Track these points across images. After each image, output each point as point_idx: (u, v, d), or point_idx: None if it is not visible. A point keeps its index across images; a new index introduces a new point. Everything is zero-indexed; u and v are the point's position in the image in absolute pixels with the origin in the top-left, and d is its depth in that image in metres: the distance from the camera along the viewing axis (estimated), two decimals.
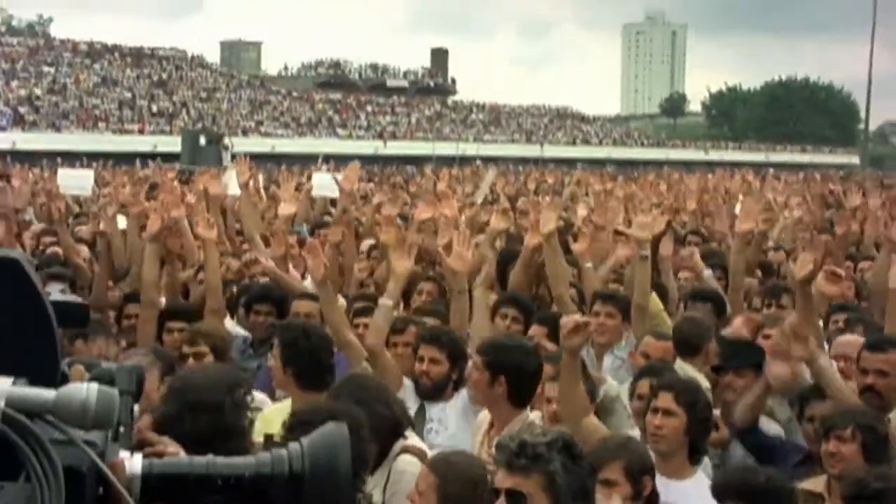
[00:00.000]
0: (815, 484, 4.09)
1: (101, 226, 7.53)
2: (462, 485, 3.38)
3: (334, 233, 6.87)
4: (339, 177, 10.01)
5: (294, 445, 1.27)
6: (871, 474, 3.40)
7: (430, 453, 4.07)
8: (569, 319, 4.15)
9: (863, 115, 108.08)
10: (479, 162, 19.49)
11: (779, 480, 3.66)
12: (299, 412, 3.58)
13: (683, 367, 5.29)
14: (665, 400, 4.19)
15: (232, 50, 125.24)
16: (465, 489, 3.36)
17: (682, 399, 4.13)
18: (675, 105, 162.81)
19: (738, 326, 5.28)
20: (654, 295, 6.25)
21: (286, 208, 8.34)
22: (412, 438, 4.18)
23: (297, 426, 3.16)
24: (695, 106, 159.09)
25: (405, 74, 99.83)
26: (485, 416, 4.59)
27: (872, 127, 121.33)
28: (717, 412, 4.94)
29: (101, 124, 63.19)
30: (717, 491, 3.75)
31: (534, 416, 4.45)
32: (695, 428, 4.10)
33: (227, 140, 40.82)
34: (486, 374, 4.40)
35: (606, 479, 3.57)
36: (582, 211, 9.89)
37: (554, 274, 6.37)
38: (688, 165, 42.48)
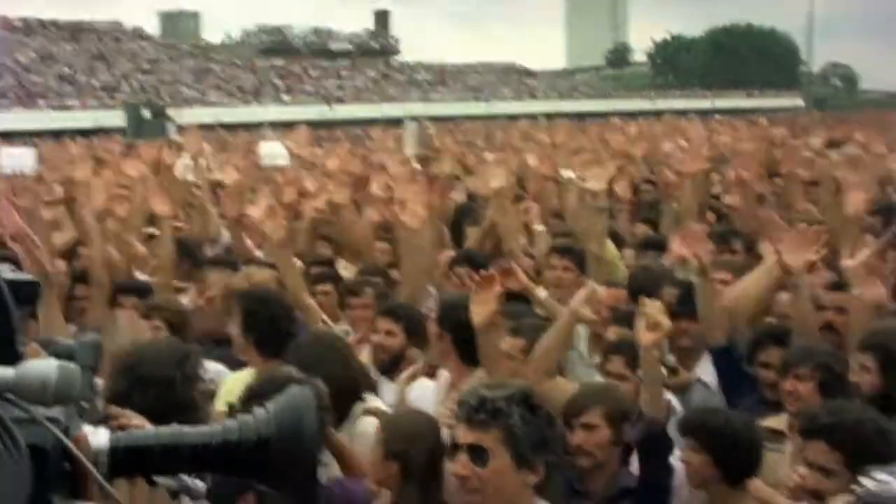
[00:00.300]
0: (778, 422, 4.16)
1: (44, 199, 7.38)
2: (402, 441, 3.45)
3: (288, 194, 6.81)
4: (289, 143, 9.94)
5: (260, 411, 1.28)
6: (822, 408, 3.47)
7: None
8: (595, 290, 4.22)
9: (805, 57, 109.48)
10: (427, 122, 19.39)
11: (737, 423, 3.72)
12: (254, 383, 3.58)
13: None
14: (616, 364, 4.29)
15: (170, 20, 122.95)
16: (405, 444, 3.43)
17: (634, 362, 4.20)
18: (619, 56, 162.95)
19: (675, 248, 5.28)
20: (609, 242, 6.29)
21: (228, 176, 8.29)
22: (373, 400, 4.18)
23: (252, 397, 3.16)
24: (639, 56, 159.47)
25: (348, 38, 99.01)
26: (447, 374, 4.62)
27: (815, 69, 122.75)
28: (673, 358, 5.01)
29: (41, 101, 62.04)
30: (680, 429, 3.83)
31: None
32: None
33: (171, 112, 40.33)
34: (437, 329, 4.44)
35: (588, 422, 3.69)
36: (532, 160, 9.80)
37: (505, 228, 6.38)
38: (635, 115, 42.62)
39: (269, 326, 4.43)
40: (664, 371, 4.07)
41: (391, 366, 4.96)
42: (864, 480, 2.50)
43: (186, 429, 1.28)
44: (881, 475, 2.43)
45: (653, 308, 3.92)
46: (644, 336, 3.86)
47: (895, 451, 3.08)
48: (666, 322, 3.88)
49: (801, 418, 3.59)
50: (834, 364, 4.04)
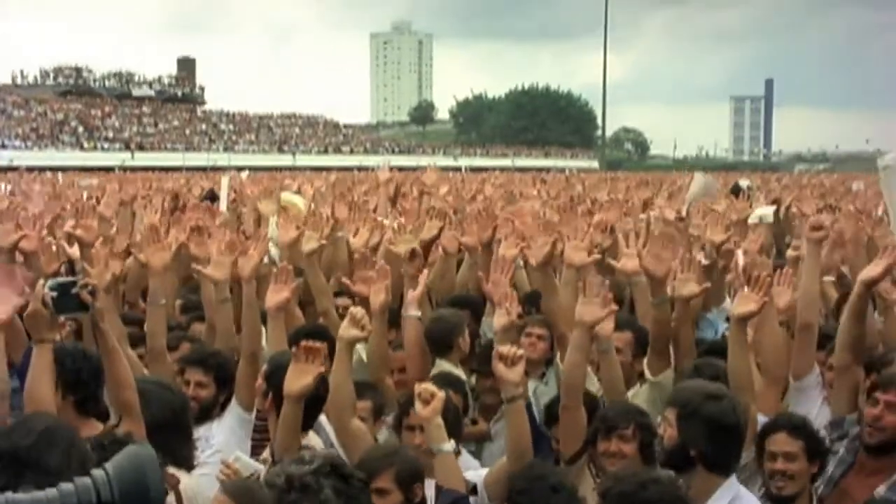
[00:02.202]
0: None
1: None
2: None
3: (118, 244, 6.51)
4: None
5: (98, 472, 1.25)
6: (618, 474, 3.53)
7: (187, 478, 3.97)
8: (355, 311, 4.41)
9: (600, 122, 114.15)
10: (235, 172, 19.13)
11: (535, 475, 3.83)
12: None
13: (441, 365, 5.46)
14: (416, 418, 4.36)
15: None
16: None
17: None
18: (423, 113, 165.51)
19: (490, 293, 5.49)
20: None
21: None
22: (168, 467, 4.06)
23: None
24: (443, 114, 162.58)
25: (151, 83, 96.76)
26: None
27: (608, 133, 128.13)
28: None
29: None
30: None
31: (310, 439, 4.38)
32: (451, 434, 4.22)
33: None
34: (264, 384, 4.37)
35: (379, 488, 3.66)
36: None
37: (317, 290, 6.32)
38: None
39: (91, 385, 4.19)
40: (452, 444, 4.14)
41: (202, 415, 4.83)
42: None
43: (19, 496, 1.24)
44: None
45: (426, 385, 4.05)
46: (422, 412, 3.97)
47: None
48: (440, 394, 3.99)
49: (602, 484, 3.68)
50: (651, 424, 4.16)
